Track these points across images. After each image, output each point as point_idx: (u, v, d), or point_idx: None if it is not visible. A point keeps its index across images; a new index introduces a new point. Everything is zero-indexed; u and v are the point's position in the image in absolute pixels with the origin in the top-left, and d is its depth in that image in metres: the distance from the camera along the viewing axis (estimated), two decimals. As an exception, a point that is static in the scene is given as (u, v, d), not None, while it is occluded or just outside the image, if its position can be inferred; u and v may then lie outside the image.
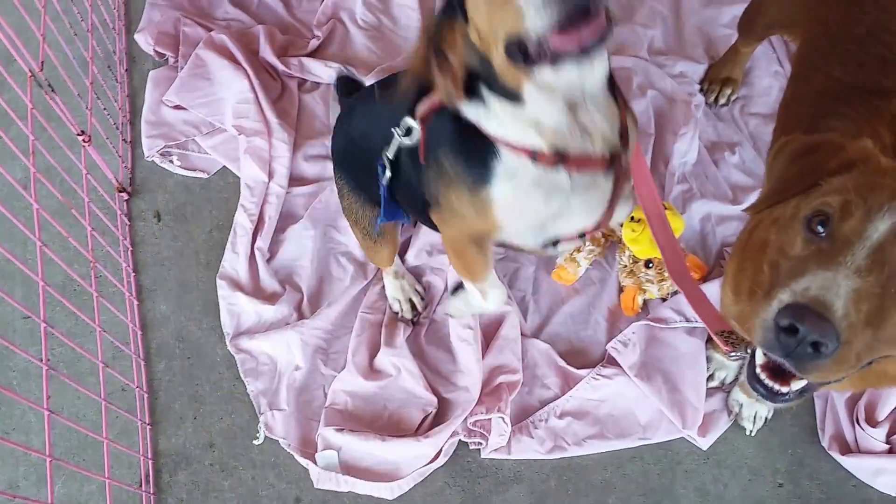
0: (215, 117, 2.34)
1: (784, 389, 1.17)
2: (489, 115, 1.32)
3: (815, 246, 1.09)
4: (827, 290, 1.00)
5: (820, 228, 1.09)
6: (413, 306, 2.15)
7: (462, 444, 2.02)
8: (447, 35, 1.27)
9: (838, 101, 1.53)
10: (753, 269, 1.37)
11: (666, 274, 2.08)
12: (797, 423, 2.05)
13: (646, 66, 2.43)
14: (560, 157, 1.33)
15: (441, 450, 1.98)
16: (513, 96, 1.26)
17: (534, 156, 1.33)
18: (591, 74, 1.23)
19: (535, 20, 1.02)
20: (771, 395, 1.18)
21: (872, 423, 1.98)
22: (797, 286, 1.02)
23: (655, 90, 2.39)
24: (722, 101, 2.40)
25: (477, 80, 1.30)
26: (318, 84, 2.45)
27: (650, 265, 2.10)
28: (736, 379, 2.06)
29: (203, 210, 2.31)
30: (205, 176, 2.35)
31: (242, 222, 2.21)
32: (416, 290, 2.15)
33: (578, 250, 2.13)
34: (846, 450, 2.00)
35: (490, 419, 1.98)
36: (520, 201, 1.42)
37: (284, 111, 2.37)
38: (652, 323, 2.08)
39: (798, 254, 1.12)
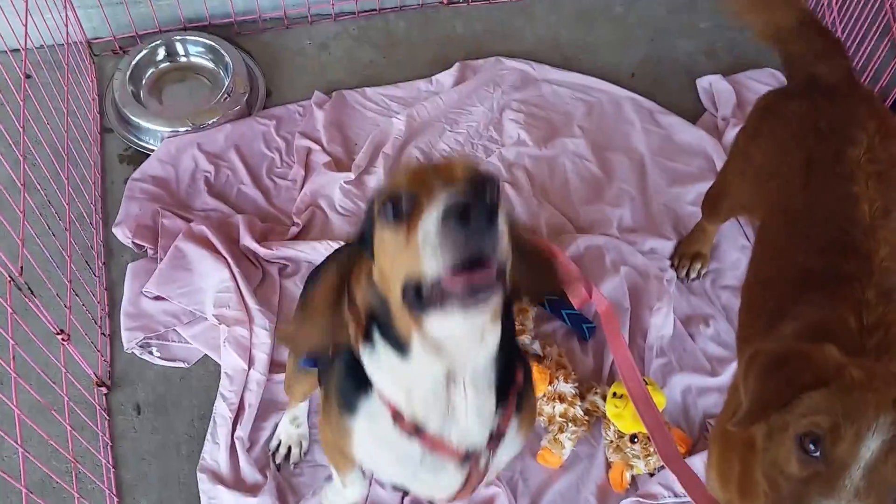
0: (196, 307, 2.34)
1: None
2: (373, 360, 1.26)
3: (811, 468, 1.12)
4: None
5: (812, 447, 1.12)
6: (288, 454, 2.12)
7: None
8: (356, 270, 1.24)
9: (803, 286, 1.58)
10: (741, 467, 1.39)
11: (652, 448, 2.06)
12: None
13: (617, 244, 2.49)
14: (416, 430, 1.27)
15: None
16: (401, 347, 1.19)
17: (396, 416, 1.28)
18: (477, 342, 1.17)
19: (431, 261, 1.01)
20: None
21: None
22: None
23: (628, 266, 2.45)
24: (693, 275, 2.46)
25: (373, 323, 1.25)
26: (298, 267, 2.47)
27: (635, 440, 2.08)
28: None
29: (184, 400, 2.27)
30: (185, 366, 2.32)
31: (222, 412, 2.17)
32: (300, 444, 2.12)
33: (562, 430, 2.10)
34: None
35: None
36: (375, 446, 1.37)
37: (266, 297, 2.38)
38: (641, 499, 2.04)
39: (795, 474, 1.15)
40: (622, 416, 2.07)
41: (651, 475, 2.10)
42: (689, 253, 2.46)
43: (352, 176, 2.63)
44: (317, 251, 2.42)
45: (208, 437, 2.14)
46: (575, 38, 3.11)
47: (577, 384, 2.17)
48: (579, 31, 3.13)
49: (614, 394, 2.10)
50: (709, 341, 2.33)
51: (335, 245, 2.38)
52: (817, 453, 1.11)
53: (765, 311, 1.65)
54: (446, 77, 2.94)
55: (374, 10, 3.12)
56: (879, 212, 1.61)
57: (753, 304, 1.76)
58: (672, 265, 2.48)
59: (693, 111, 2.90)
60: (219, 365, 2.26)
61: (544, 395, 2.12)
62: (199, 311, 2.33)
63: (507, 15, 3.16)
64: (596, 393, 2.17)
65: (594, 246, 2.47)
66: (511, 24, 3.13)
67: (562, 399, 2.12)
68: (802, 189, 1.72)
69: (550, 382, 2.14)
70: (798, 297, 1.55)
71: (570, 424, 2.10)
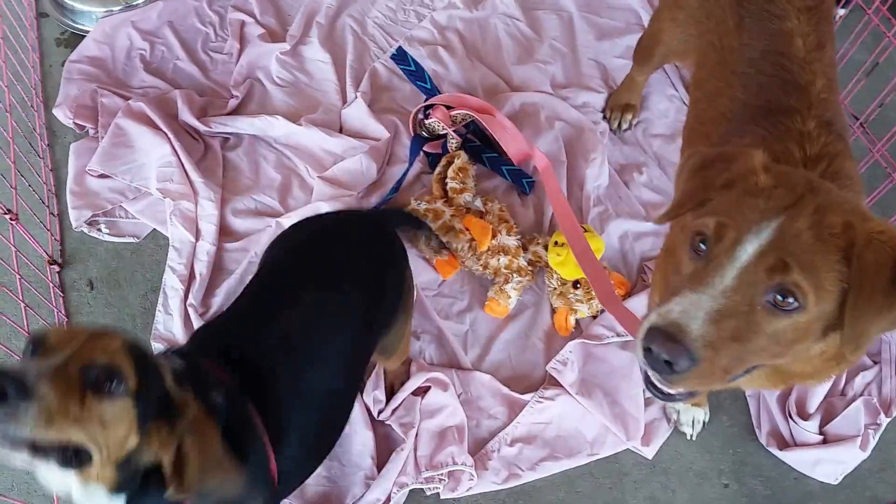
0: (140, 182, 2.15)
1: (672, 391, 1.19)
2: None
3: (694, 266, 1.11)
4: (686, 313, 1.04)
5: (702, 247, 1.10)
6: None
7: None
8: None
9: (746, 120, 1.49)
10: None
11: (594, 292, 2.03)
12: (735, 424, 1.96)
13: (551, 100, 2.35)
14: None
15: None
16: None
17: None
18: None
19: None
20: (662, 395, 1.21)
21: (804, 416, 1.91)
22: (664, 308, 1.06)
23: (562, 121, 2.31)
24: (625, 126, 2.34)
25: None
26: (240, 140, 2.30)
27: (577, 286, 2.02)
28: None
29: (136, 275, 2.11)
30: (135, 240, 2.15)
31: (172, 283, 2.03)
32: None
33: (507, 281, 2.03)
34: (783, 444, 1.92)
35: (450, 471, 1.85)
36: None
37: (209, 170, 2.20)
38: (586, 341, 1.97)
39: (684, 272, 1.13)
40: (564, 264, 2.01)
41: (594, 318, 2.03)
42: (620, 104, 2.33)
43: (287, 46, 2.42)
44: (254, 126, 2.26)
45: (160, 307, 2.01)
46: None
47: (519, 236, 2.06)
48: None
49: (556, 243, 2.02)
50: (643, 188, 2.23)
51: (272, 119, 2.25)
52: (704, 254, 1.10)
53: (709, 144, 1.56)
54: None
55: None
56: (813, 45, 1.54)
57: (696, 142, 1.66)
58: (604, 117, 2.35)
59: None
60: (168, 238, 2.13)
61: (488, 249, 2.03)
62: (144, 186, 2.14)
63: None
64: (538, 244, 2.07)
65: (529, 103, 2.33)
66: None
67: (505, 251, 2.01)
68: (736, 29, 1.60)
69: (494, 236, 2.03)
70: (741, 133, 1.47)
71: (514, 275, 2.01)
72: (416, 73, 2.37)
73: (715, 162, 1.19)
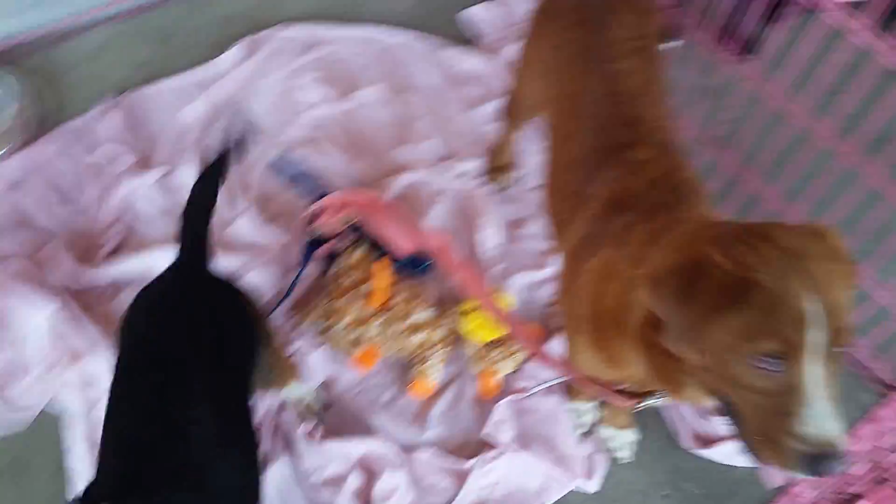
0: (28, 354, 2.09)
1: None
2: None
3: (773, 379, 1.11)
4: (823, 425, 1.08)
5: (768, 363, 1.11)
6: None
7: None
8: None
9: (597, 164, 1.62)
10: (619, 337, 1.40)
11: (512, 348, 2.09)
12: (660, 435, 2.09)
13: (433, 175, 2.46)
14: None
15: None
16: None
17: None
18: None
19: None
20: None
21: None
22: (801, 428, 1.09)
23: (449, 192, 2.44)
24: (504, 184, 2.46)
25: None
26: (130, 284, 2.22)
27: (494, 346, 2.10)
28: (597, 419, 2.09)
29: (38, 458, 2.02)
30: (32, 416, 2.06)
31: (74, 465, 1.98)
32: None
33: (425, 360, 2.08)
34: (704, 443, 2.05)
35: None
36: None
37: (101, 324, 2.13)
38: (514, 396, 2.07)
39: (764, 388, 1.12)
40: (478, 329, 2.07)
41: (516, 372, 2.12)
42: (499, 165, 2.46)
43: (158, 174, 2.42)
44: (143, 263, 2.21)
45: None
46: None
47: (432, 310, 2.15)
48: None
49: (465, 311, 2.12)
50: (534, 239, 2.35)
51: (159, 252, 2.20)
52: (777, 368, 1.10)
53: (569, 195, 1.68)
54: (234, 54, 2.74)
55: (142, 5, 2.86)
56: (642, 81, 1.71)
57: (557, 191, 1.79)
58: (486, 181, 2.48)
59: (468, 40, 2.88)
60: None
61: (403, 331, 2.09)
62: (30, 359, 2.08)
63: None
64: (449, 315, 2.16)
65: (414, 182, 2.43)
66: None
67: (420, 328, 2.09)
68: (581, 75, 1.75)
69: (406, 317, 2.11)
70: (593, 174, 1.60)
71: (434, 348, 2.09)
72: (300, 177, 2.38)
73: (695, 282, 1.17)
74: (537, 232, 2.37)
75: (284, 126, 2.59)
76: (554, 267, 2.29)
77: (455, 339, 2.16)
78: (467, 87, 2.71)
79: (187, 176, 2.40)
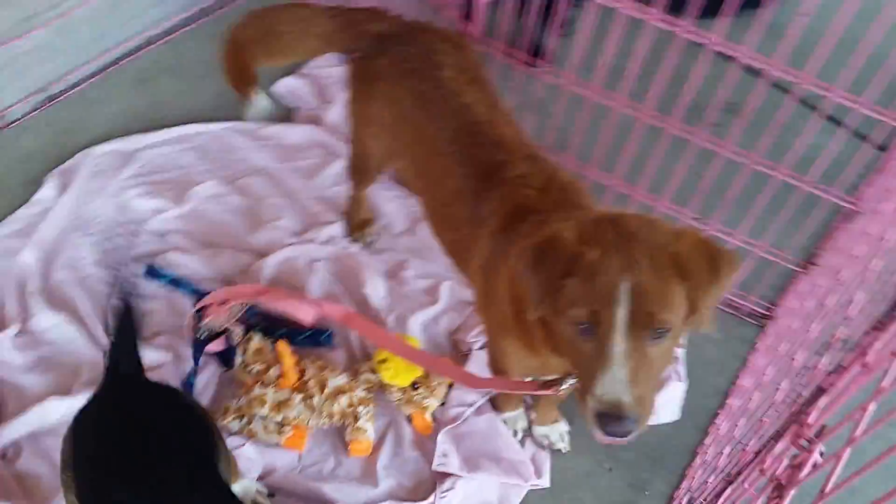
0: None
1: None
2: None
3: (588, 345, 1.32)
4: (613, 390, 1.28)
5: (585, 329, 1.32)
6: None
7: None
8: None
9: (478, 189, 1.76)
10: (542, 333, 1.53)
11: (433, 383, 2.16)
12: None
13: (300, 248, 2.51)
14: None
15: None
16: None
17: None
18: None
19: None
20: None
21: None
22: (596, 391, 1.29)
23: (321, 260, 2.49)
24: (370, 239, 2.56)
25: None
26: (20, 448, 2.05)
27: (416, 386, 2.16)
28: (529, 422, 2.21)
29: None
30: None
31: None
32: None
33: (356, 418, 2.11)
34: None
35: None
36: None
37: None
38: (450, 426, 2.14)
39: (581, 350, 1.34)
40: (396, 375, 2.14)
41: (444, 404, 2.20)
42: (358, 223, 2.55)
43: (14, 329, 2.25)
44: (28, 423, 2.05)
45: None
46: (144, 102, 2.96)
47: (346, 373, 2.19)
48: (143, 96, 2.99)
49: (380, 361, 2.16)
50: (416, 279, 2.46)
51: (41, 408, 2.06)
52: (590, 335, 1.31)
53: (461, 224, 1.80)
54: (48, 191, 2.61)
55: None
56: (488, 106, 1.88)
57: (447, 224, 1.92)
58: (352, 240, 2.55)
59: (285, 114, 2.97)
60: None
61: (325, 399, 2.11)
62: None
63: (66, 112, 2.90)
64: (364, 371, 2.20)
65: (283, 260, 2.46)
66: (74, 119, 2.88)
67: (341, 391, 2.12)
68: (427, 120, 1.89)
69: (322, 389, 2.12)
70: (481, 197, 1.74)
71: (360, 409, 2.12)
72: (174, 282, 2.34)
73: (545, 253, 1.38)
74: (418, 272, 2.49)
75: (135, 239, 2.53)
76: (445, 299, 2.40)
77: (377, 391, 2.21)
78: (301, 157, 2.79)
79: (45, 322, 2.29)
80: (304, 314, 2.14)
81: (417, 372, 2.16)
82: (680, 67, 2.14)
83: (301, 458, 2.11)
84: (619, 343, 1.27)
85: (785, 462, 1.32)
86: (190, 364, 2.17)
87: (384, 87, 2.00)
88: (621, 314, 1.27)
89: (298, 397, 2.11)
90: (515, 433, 2.18)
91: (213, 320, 2.21)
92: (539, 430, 2.18)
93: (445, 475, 2.08)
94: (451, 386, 2.22)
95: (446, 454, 2.10)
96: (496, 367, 1.95)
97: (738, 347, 2.46)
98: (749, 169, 2.22)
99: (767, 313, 2.52)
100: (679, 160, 2.28)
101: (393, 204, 2.65)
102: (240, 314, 2.26)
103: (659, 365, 1.35)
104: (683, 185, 2.33)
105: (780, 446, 1.38)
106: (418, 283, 2.46)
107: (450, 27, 2.26)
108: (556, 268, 1.34)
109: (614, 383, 1.27)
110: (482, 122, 1.83)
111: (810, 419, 1.27)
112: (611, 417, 1.28)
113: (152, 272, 2.40)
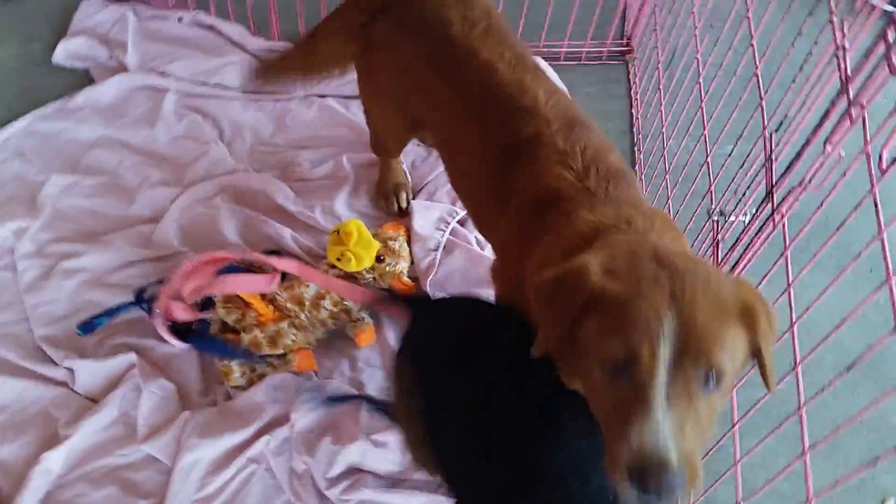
0: None
1: None
2: None
3: (622, 390, 1.06)
4: (655, 440, 1.00)
5: (620, 371, 1.06)
6: None
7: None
8: None
9: (507, 161, 1.53)
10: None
11: (395, 246, 2.13)
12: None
13: (190, 194, 2.32)
14: None
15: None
16: None
17: None
18: None
19: None
20: None
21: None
22: (635, 440, 1.01)
23: (217, 195, 2.33)
24: (404, 204, 2.31)
25: None
26: None
27: (381, 259, 2.11)
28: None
29: None
30: None
31: None
32: None
33: (350, 313, 2.06)
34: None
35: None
36: None
37: None
38: (430, 276, 2.16)
39: (612, 398, 1.08)
40: (360, 261, 2.04)
41: (413, 262, 2.20)
42: (390, 188, 2.32)
43: None
44: None
45: None
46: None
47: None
48: None
49: (336, 259, 2.08)
50: (314, 169, 2.40)
51: None
52: (624, 376, 1.06)
53: (489, 198, 1.60)
54: None
55: None
56: (515, 62, 1.60)
57: (473, 191, 1.72)
58: (384, 207, 2.33)
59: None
60: None
61: (309, 312, 2.01)
62: None
63: None
64: (326, 269, 2.10)
65: (180, 216, 2.27)
66: None
67: (321, 297, 2.02)
68: (448, 82, 1.64)
69: (302, 305, 2.02)
70: (513, 169, 1.51)
71: (346, 302, 2.04)
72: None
73: (562, 283, 1.16)
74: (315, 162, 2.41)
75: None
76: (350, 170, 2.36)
77: (349, 281, 2.14)
78: (128, 111, 2.55)
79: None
80: (265, 285, 2.01)
81: (375, 245, 2.11)
82: None
83: (318, 375, 2.06)
84: (662, 382, 1.03)
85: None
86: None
87: (384, 57, 1.79)
88: (666, 349, 1.03)
89: (285, 324, 2.02)
90: None
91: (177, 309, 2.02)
92: None
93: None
94: (408, 242, 2.21)
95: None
96: None
97: (616, 90, 2.57)
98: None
99: (626, 48, 2.64)
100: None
101: (429, 165, 2.46)
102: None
103: (706, 423, 1.07)
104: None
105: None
106: (319, 171, 2.39)
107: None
108: (573, 302, 1.12)
109: (657, 431, 1.00)
110: (507, 84, 1.56)
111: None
112: (651, 474, 0.99)
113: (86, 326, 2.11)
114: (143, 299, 2.08)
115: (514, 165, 1.50)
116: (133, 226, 2.29)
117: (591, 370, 1.11)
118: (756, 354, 1.12)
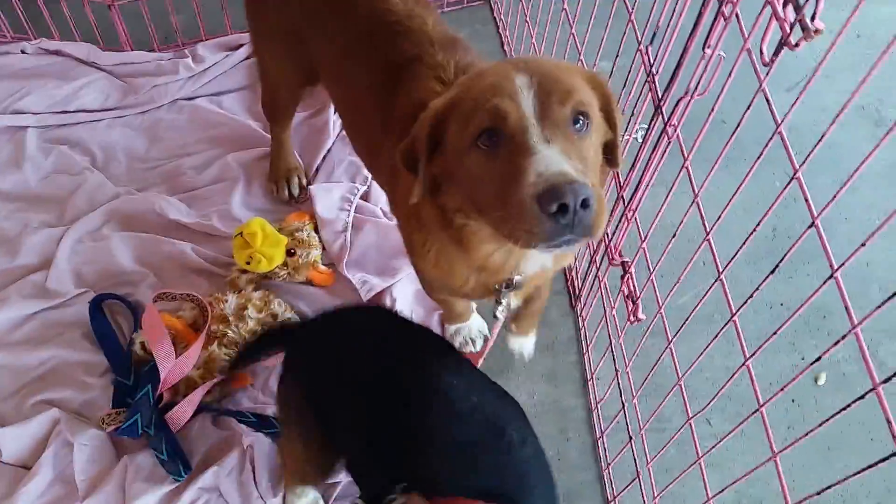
0: None
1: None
2: None
3: (498, 154, 1.07)
4: (550, 165, 0.99)
5: (493, 138, 1.07)
6: None
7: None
8: None
9: (395, 80, 1.51)
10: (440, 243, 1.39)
11: (304, 236, 2.08)
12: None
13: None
14: None
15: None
16: None
17: None
18: None
19: None
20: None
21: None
22: (532, 176, 1.00)
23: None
24: (295, 191, 2.25)
25: None
26: None
27: (292, 252, 2.06)
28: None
29: None
30: None
31: None
32: None
33: (276, 317, 1.98)
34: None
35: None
36: None
37: None
38: (345, 258, 2.09)
39: (488, 167, 1.09)
40: (270, 261, 1.99)
41: (325, 249, 2.13)
42: (282, 174, 2.23)
43: None
44: None
45: None
46: None
47: (231, 293, 2.00)
48: None
49: (246, 264, 1.99)
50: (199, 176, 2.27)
51: None
52: (497, 144, 1.07)
53: (371, 129, 1.60)
54: None
55: None
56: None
57: (359, 130, 1.73)
58: (274, 192, 2.25)
59: None
60: None
61: (236, 327, 1.92)
62: None
63: None
64: (238, 277, 2.04)
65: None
66: None
67: (243, 309, 1.94)
68: (333, 15, 1.64)
69: (227, 322, 1.94)
70: (393, 94, 1.50)
71: (274, 306, 1.97)
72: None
73: (415, 130, 1.20)
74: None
75: None
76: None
77: (264, 282, 2.10)
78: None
79: None
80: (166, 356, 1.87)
81: (283, 240, 2.04)
82: None
83: (253, 385, 1.97)
84: (535, 125, 1.04)
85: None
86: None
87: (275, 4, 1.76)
88: (528, 98, 1.05)
89: (214, 347, 1.93)
90: (472, 341, 2.04)
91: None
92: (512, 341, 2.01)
93: (380, 295, 2.05)
94: (315, 230, 2.14)
95: (364, 280, 2.07)
96: (415, 264, 1.68)
97: (485, 30, 2.52)
98: None
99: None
100: None
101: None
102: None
103: (591, 163, 1.10)
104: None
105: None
106: (206, 176, 2.28)
107: None
108: (428, 129, 1.15)
109: (546, 156, 1.01)
110: (397, 12, 1.56)
111: None
112: (559, 188, 0.96)
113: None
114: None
115: (397, 85, 1.51)
116: (23, 277, 2.13)
117: (469, 165, 1.11)
118: (608, 119, 1.17)
